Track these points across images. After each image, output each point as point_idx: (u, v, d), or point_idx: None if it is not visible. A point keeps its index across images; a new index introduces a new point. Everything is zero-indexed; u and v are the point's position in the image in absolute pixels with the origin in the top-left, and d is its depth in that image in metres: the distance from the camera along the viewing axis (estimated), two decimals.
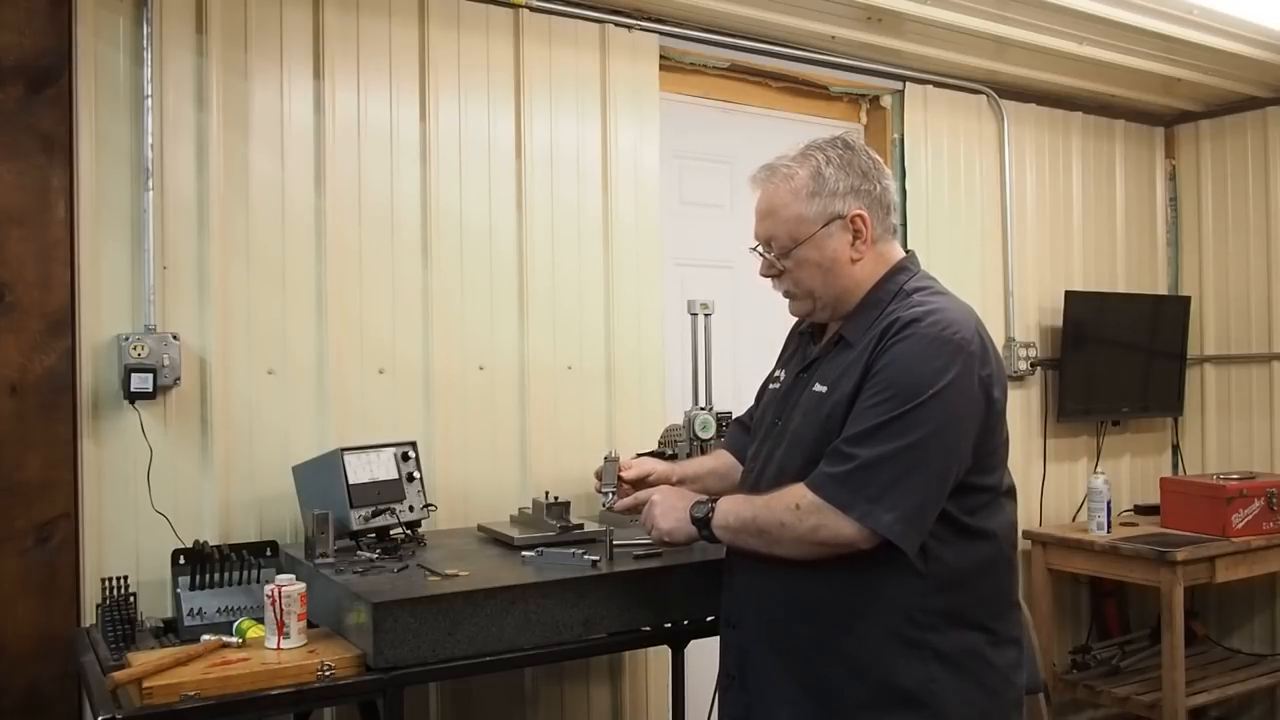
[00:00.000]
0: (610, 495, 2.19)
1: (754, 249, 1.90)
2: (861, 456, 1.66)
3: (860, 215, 1.80)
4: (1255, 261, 4.23)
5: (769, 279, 1.91)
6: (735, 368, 3.33)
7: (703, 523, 1.86)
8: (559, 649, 2.05)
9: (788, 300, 1.92)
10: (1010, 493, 1.83)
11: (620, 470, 2.19)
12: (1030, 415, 4.08)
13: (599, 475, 2.23)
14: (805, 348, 1.97)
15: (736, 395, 2.74)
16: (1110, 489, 3.85)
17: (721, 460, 2.25)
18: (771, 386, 2.02)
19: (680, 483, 2.16)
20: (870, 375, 1.71)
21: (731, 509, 1.83)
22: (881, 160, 1.88)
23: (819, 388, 1.80)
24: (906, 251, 1.90)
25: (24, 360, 2.33)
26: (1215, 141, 4.38)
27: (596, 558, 2.11)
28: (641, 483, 2.19)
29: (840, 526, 1.67)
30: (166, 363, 2.41)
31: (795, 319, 2.04)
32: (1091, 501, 3.82)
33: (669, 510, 1.94)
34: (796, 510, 1.70)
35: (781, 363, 2.05)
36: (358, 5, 2.72)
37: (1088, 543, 3.72)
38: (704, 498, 1.91)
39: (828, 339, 1.89)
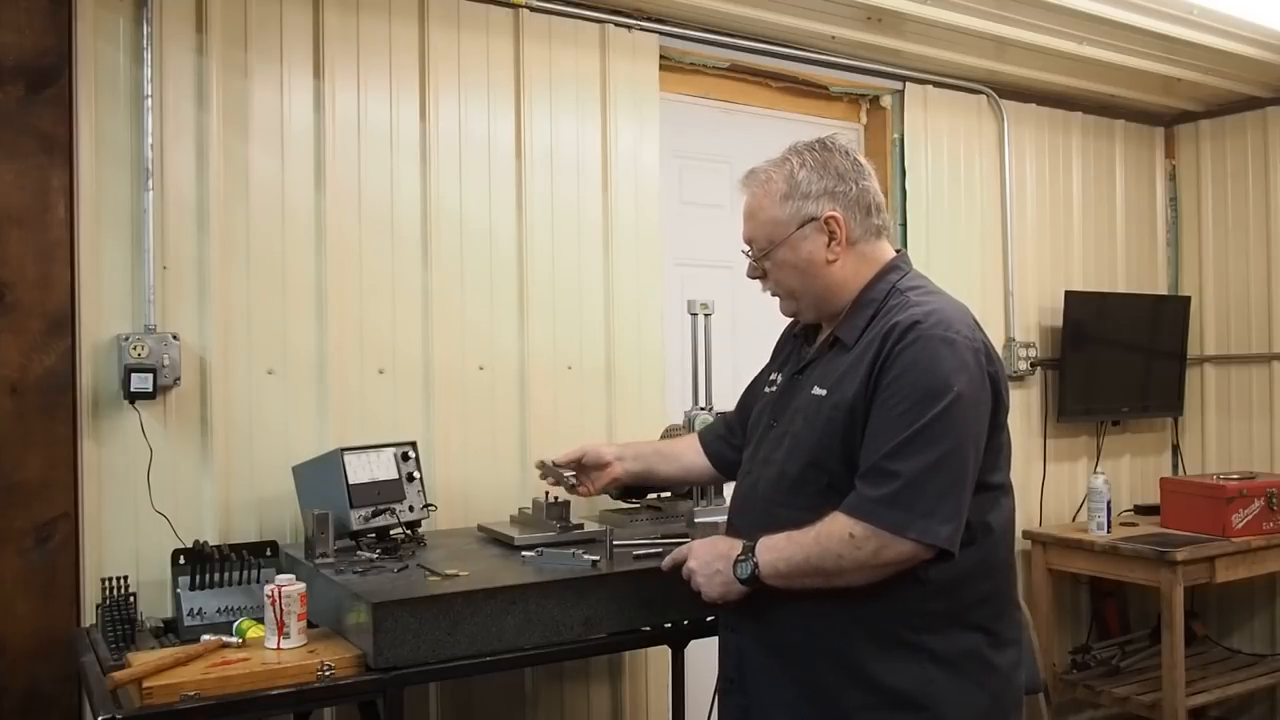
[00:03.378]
0: (570, 476, 2.26)
1: (743, 250, 1.93)
2: (904, 473, 1.64)
3: (834, 217, 1.81)
4: (1255, 261, 4.23)
5: (756, 280, 1.93)
6: (735, 368, 3.32)
7: (751, 580, 1.77)
8: (559, 649, 2.05)
9: (777, 300, 1.93)
10: (1009, 489, 1.83)
11: (556, 461, 2.27)
12: (1030, 415, 4.08)
13: (552, 479, 2.30)
14: (799, 350, 1.98)
15: (736, 395, 2.73)
16: (1110, 489, 3.85)
17: (675, 445, 2.32)
18: (767, 390, 2.01)
19: (620, 459, 2.25)
20: (882, 384, 1.70)
21: (778, 556, 1.75)
22: (863, 161, 1.88)
23: (818, 390, 1.80)
24: (898, 251, 1.91)
25: (24, 360, 2.33)
26: (1215, 141, 4.38)
27: (596, 558, 2.11)
28: (578, 462, 2.26)
29: (900, 547, 1.65)
30: (166, 363, 2.40)
31: (789, 321, 2.05)
32: (1091, 501, 3.82)
33: (711, 577, 1.84)
34: (851, 540, 1.66)
35: (776, 365, 2.05)
36: (358, 5, 2.72)
37: (1088, 543, 3.72)
38: (738, 548, 1.81)
39: (822, 340, 1.89)
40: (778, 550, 1.75)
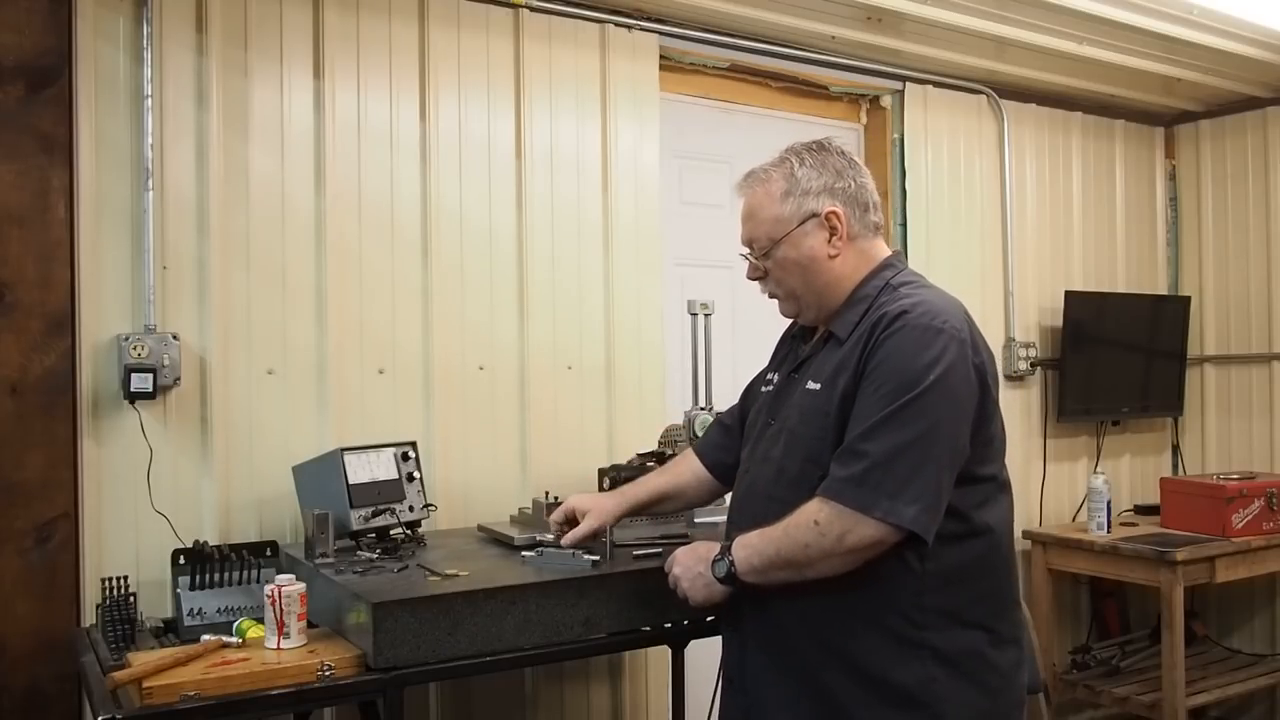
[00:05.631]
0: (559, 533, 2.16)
1: (741, 253, 1.94)
2: (873, 453, 1.66)
3: (834, 212, 1.83)
4: (1255, 261, 4.23)
5: (756, 281, 1.94)
6: (735, 368, 3.32)
7: (730, 579, 1.80)
8: (559, 649, 2.05)
9: (777, 302, 1.94)
10: (1006, 486, 1.83)
11: (550, 517, 2.18)
12: (1030, 415, 4.08)
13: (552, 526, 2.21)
14: (796, 349, 1.99)
15: (736, 395, 2.75)
16: (1110, 489, 3.85)
17: (677, 476, 2.21)
18: (764, 389, 2.02)
19: (628, 513, 2.16)
20: (867, 370, 1.72)
21: (752, 552, 1.77)
22: (858, 160, 1.91)
23: (812, 385, 1.81)
24: (894, 251, 1.93)
25: (24, 360, 2.33)
26: (1215, 141, 4.38)
27: (596, 558, 2.11)
28: (574, 521, 2.13)
29: (865, 529, 1.65)
30: (166, 363, 2.41)
31: (789, 321, 2.05)
32: (1091, 501, 3.82)
33: (694, 580, 1.86)
34: (817, 526, 1.68)
35: (773, 366, 2.06)
36: (358, 5, 2.72)
37: (1088, 543, 3.72)
38: (717, 549, 1.84)
39: (817, 337, 1.91)
40: (751, 546, 1.78)
